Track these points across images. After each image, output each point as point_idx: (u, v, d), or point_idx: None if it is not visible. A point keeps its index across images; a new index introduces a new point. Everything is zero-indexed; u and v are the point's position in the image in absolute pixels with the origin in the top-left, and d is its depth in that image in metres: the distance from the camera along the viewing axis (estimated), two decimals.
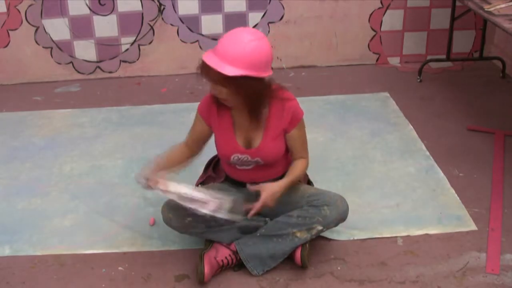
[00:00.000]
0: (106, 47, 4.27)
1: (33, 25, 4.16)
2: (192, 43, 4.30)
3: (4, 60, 4.25)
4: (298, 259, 2.41)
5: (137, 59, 4.34)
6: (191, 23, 4.26)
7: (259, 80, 2.23)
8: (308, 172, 2.63)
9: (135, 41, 4.27)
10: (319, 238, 2.53)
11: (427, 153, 3.24)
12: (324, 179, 2.88)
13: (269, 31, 4.30)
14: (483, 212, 2.75)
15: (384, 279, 2.38)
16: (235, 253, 2.42)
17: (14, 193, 3.00)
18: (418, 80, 4.16)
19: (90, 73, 4.35)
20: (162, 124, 3.61)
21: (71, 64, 4.31)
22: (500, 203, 2.80)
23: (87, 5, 4.13)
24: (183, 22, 4.25)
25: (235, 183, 2.57)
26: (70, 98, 4.07)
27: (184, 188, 2.32)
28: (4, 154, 3.36)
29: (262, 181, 2.51)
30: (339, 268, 2.45)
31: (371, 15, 4.33)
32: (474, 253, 2.50)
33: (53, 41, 4.22)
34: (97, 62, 4.32)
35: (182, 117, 3.61)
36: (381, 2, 4.29)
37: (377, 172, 3.09)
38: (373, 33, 4.39)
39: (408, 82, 4.15)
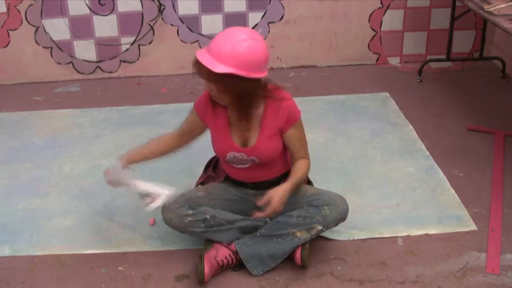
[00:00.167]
0: (106, 47, 4.27)
1: (33, 25, 4.16)
2: (192, 43, 4.30)
3: (4, 60, 4.25)
4: (298, 259, 2.41)
5: (137, 59, 4.34)
6: (191, 23, 4.26)
7: (250, 80, 2.22)
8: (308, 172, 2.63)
9: (135, 41, 4.27)
10: (319, 238, 2.53)
11: (427, 153, 3.24)
12: (324, 179, 2.88)
13: (269, 31, 4.30)
14: (483, 212, 2.75)
15: (384, 279, 2.38)
16: (235, 253, 2.42)
17: (14, 193, 3.00)
18: (418, 80, 4.16)
19: (90, 73, 4.35)
20: (162, 124, 3.61)
21: (71, 64, 4.31)
22: (500, 203, 2.80)
23: (87, 5, 4.13)
24: (183, 22, 4.25)
25: (235, 183, 2.57)
26: (70, 98, 4.07)
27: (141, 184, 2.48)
28: (4, 154, 3.36)
29: (261, 180, 2.52)
30: (339, 268, 2.45)
31: (371, 15, 4.33)
32: (474, 253, 2.50)
33: (53, 41, 4.22)
34: (97, 62, 4.32)
35: (182, 117, 3.55)
36: (381, 2, 4.29)
37: (377, 172, 3.09)
38: (373, 33, 4.39)
39: (408, 82, 4.15)
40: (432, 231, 2.64)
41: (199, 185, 2.65)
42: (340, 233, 2.60)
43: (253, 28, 4.27)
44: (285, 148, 2.48)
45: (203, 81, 2.28)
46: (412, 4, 4.32)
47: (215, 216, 2.43)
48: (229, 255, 2.42)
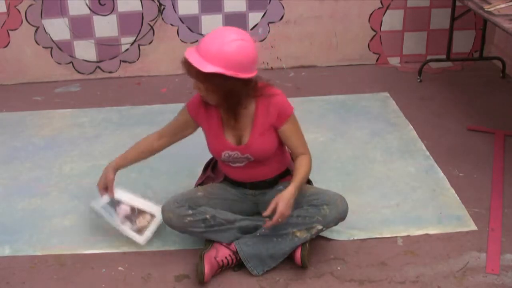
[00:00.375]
0: (106, 47, 4.27)
1: (33, 25, 4.16)
2: (192, 43, 4.30)
3: (4, 60, 4.25)
4: (298, 259, 2.41)
5: (137, 59, 4.34)
6: (191, 23, 4.26)
7: (238, 80, 2.22)
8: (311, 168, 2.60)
9: (135, 41, 4.27)
10: (319, 238, 2.53)
11: (427, 153, 3.24)
12: (324, 179, 2.88)
13: (269, 31, 4.30)
14: (483, 212, 2.75)
15: (384, 279, 2.38)
16: (235, 253, 2.42)
17: (14, 193, 3.00)
18: (418, 80, 4.16)
19: (90, 73, 4.35)
20: (162, 124, 3.56)
21: (71, 64, 4.31)
22: (500, 203, 2.80)
23: (87, 5, 4.13)
24: (183, 22, 4.25)
25: (234, 183, 2.57)
26: (70, 98, 4.07)
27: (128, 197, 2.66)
28: (4, 154, 3.36)
29: (260, 180, 2.52)
30: (339, 268, 2.45)
31: (371, 15, 4.33)
32: (474, 253, 2.50)
33: (53, 41, 4.22)
34: (97, 62, 4.32)
35: None
36: (381, 2, 4.29)
37: (377, 172, 3.09)
38: (373, 33, 4.39)
39: (408, 82, 4.15)
40: (432, 231, 2.64)
41: (199, 186, 2.65)
42: (340, 233, 2.60)
43: (253, 28, 4.28)
44: (281, 146, 2.48)
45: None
46: (412, 4, 4.32)
47: (215, 216, 2.43)
48: (229, 255, 2.42)
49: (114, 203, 2.64)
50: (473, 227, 2.66)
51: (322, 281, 2.38)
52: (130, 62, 4.34)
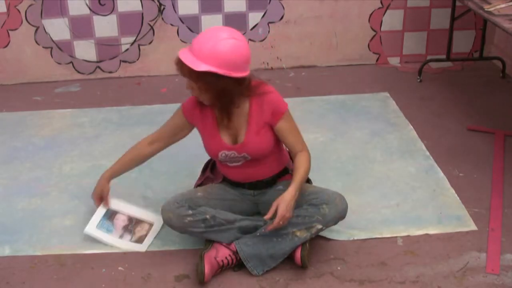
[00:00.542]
0: (106, 47, 4.27)
1: (33, 25, 4.16)
2: None
3: (4, 60, 4.25)
4: (298, 259, 2.41)
5: (137, 59, 4.34)
6: (191, 23, 4.26)
7: (231, 79, 2.23)
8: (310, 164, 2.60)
9: (135, 41, 4.27)
10: (319, 238, 2.53)
11: (427, 153, 3.24)
12: (324, 179, 2.88)
13: (269, 31, 4.30)
14: (483, 212, 2.75)
15: (384, 279, 2.38)
16: (235, 253, 2.42)
17: (14, 193, 3.00)
18: (418, 80, 4.16)
19: (90, 73, 4.35)
20: (162, 124, 3.60)
21: (71, 64, 4.31)
22: (500, 203, 2.80)
23: (87, 5, 4.13)
24: (183, 22, 4.25)
25: (233, 184, 2.57)
26: (70, 98, 4.07)
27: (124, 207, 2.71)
28: (4, 154, 3.36)
29: (258, 179, 2.52)
30: (339, 268, 2.45)
31: (371, 15, 4.33)
32: (474, 253, 2.50)
33: (53, 41, 4.22)
34: (97, 62, 4.32)
35: None
36: (381, 2, 4.29)
37: (377, 172, 3.09)
38: (373, 33, 4.39)
39: (408, 82, 4.15)
40: (432, 231, 2.64)
41: (198, 187, 2.65)
42: (340, 233, 2.60)
43: (253, 28, 4.28)
44: (278, 144, 2.48)
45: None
46: (412, 4, 4.32)
47: (215, 216, 2.43)
48: (229, 255, 2.42)
49: (110, 214, 2.66)
50: (473, 227, 2.66)
51: (322, 281, 2.38)
52: (130, 62, 4.34)
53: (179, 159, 3.16)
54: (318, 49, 4.41)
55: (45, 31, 4.18)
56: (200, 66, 2.19)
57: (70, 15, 4.15)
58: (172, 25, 4.25)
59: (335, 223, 2.45)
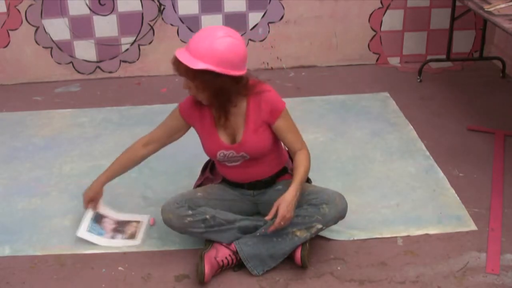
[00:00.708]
0: (106, 47, 4.27)
1: (33, 25, 4.17)
2: None
3: (4, 60, 4.25)
4: (298, 259, 2.41)
5: (137, 59, 4.34)
6: (191, 23, 4.26)
7: (228, 77, 2.23)
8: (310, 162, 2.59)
9: (135, 41, 4.27)
10: (319, 238, 2.53)
11: (427, 153, 3.24)
12: (324, 179, 2.88)
13: (269, 31, 4.30)
14: (483, 212, 2.75)
15: (384, 279, 2.38)
16: (235, 253, 2.42)
17: (14, 193, 3.00)
18: (418, 80, 4.16)
19: (90, 73, 4.35)
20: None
21: (71, 64, 4.31)
22: (500, 203, 2.80)
23: (87, 5, 4.13)
24: (183, 22, 4.25)
25: (232, 184, 2.57)
26: (70, 98, 4.07)
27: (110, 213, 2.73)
28: (4, 154, 3.36)
29: (257, 179, 2.52)
30: (339, 268, 2.45)
31: (371, 15, 4.33)
32: (474, 253, 2.50)
33: (53, 41, 4.22)
34: (97, 62, 4.32)
35: None
36: (381, 2, 4.29)
37: (377, 172, 3.09)
38: (373, 33, 4.39)
39: (408, 82, 4.15)
40: (432, 231, 2.64)
41: (198, 187, 2.65)
42: (340, 233, 2.60)
43: (253, 28, 4.28)
44: (276, 143, 2.48)
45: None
46: (412, 4, 4.32)
47: (215, 216, 2.43)
48: (229, 255, 2.42)
49: (98, 218, 2.68)
50: (473, 227, 2.66)
51: (322, 281, 2.38)
52: (130, 62, 4.34)
53: (178, 159, 3.16)
54: (318, 49, 4.41)
55: (45, 31, 4.18)
56: (197, 65, 2.19)
57: (70, 15, 4.15)
58: (172, 25, 4.25)
59: (335, 222, 2.45)
